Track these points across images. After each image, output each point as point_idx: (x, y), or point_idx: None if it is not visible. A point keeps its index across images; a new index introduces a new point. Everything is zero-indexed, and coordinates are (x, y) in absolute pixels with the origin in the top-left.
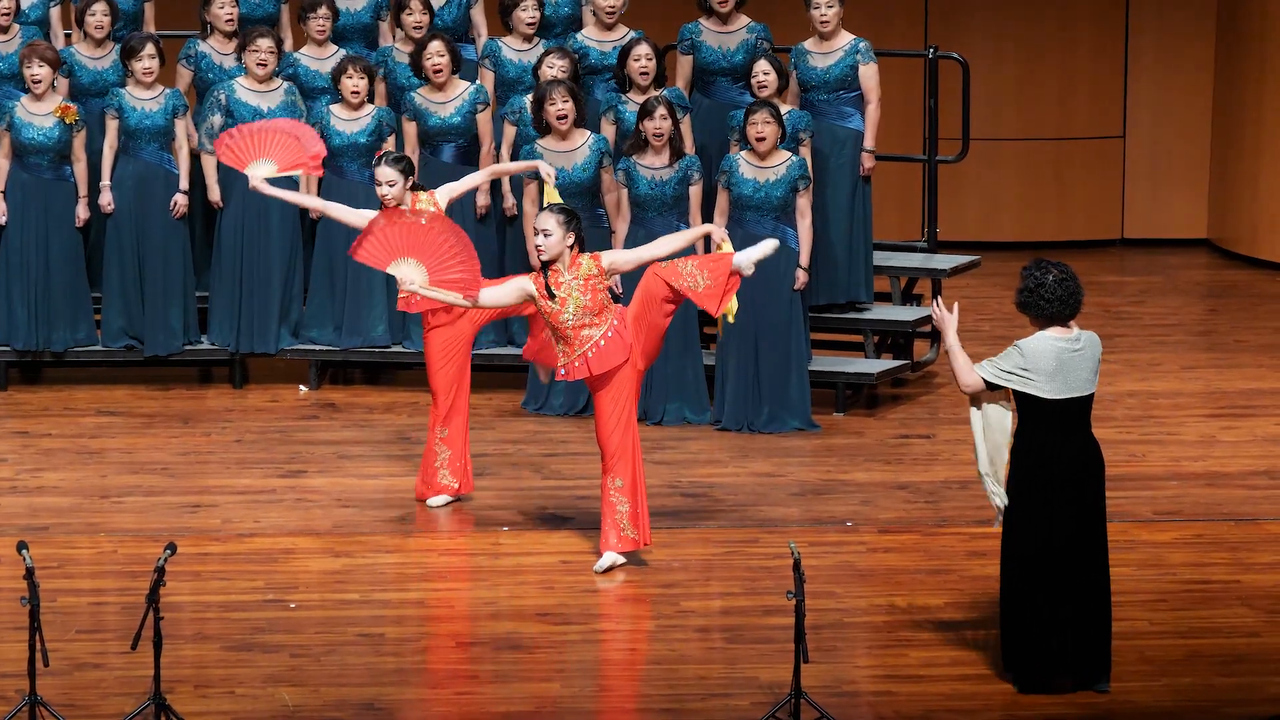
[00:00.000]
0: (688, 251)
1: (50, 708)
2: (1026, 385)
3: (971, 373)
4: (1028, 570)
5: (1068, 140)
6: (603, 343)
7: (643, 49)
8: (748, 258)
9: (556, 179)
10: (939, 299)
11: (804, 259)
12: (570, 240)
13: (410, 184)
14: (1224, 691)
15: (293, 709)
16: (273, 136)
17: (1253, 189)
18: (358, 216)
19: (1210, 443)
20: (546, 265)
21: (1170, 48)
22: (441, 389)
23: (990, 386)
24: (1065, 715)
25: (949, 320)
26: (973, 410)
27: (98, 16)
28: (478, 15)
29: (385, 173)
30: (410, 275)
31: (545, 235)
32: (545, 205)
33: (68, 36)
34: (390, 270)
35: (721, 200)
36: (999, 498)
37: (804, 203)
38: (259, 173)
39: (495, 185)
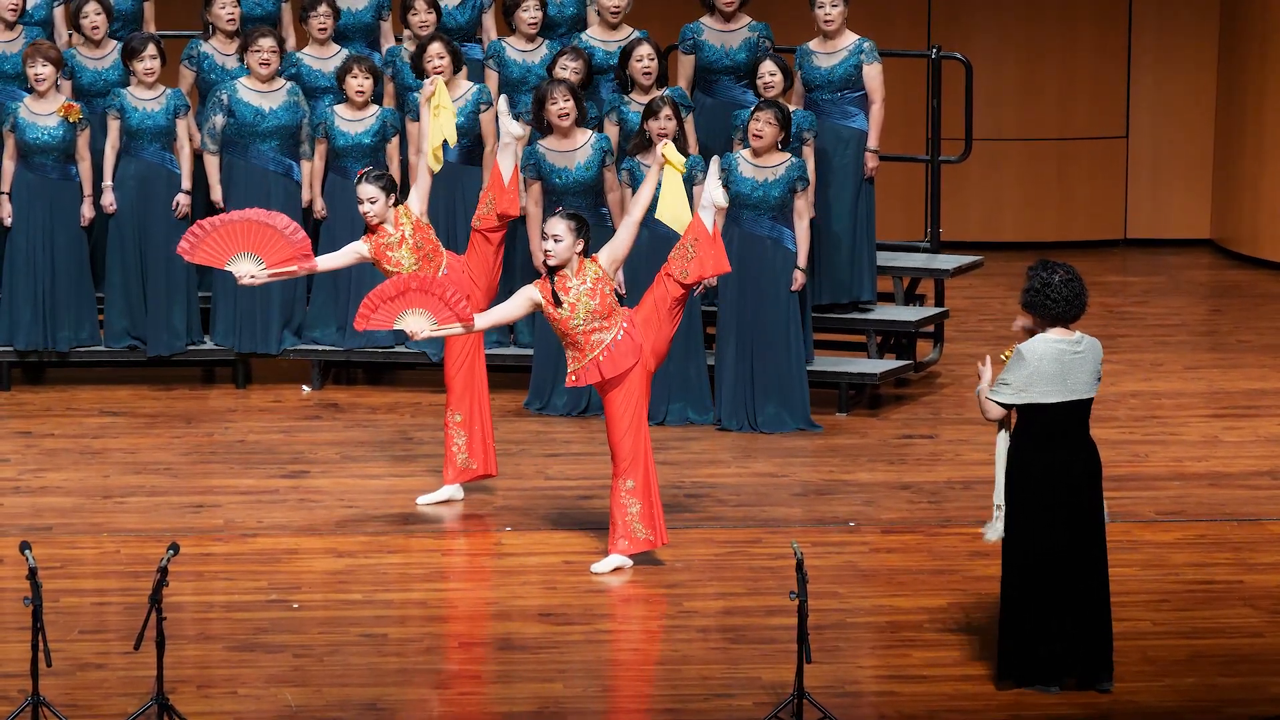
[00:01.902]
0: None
1: (53, 708)
2: (1031, 397)
3: (990, 404)
4: (1026, 575)
5: (1070, 140)
6: (613, 346)
7: (644, 49)
8: (709, 194)
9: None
10: (984, 359)
11: (801, 260)
12: (580, 246)
13: (393, 200)
14: (1227, 692)
15: (295, 709)
16: (247, 229)
17: (1255, 189)
18: (344, 256)
19: (1213, 443)
20: (553, 271)
21: (1172, 48)
22: (450, 377)
23: (1006, 407)
24: (1067, 715)
25: (985, 375)
26: (1000, 435)
27: (90, 18)
28: (489, 20)
29: (366, 190)
30: (418, 325)
31: (555, 241)
32: (555, 210)
33: (71, 36)
34: (397, 325)
35: None
36: (996, 533)
37: (802, 204)
38: (245, 269)
39: None
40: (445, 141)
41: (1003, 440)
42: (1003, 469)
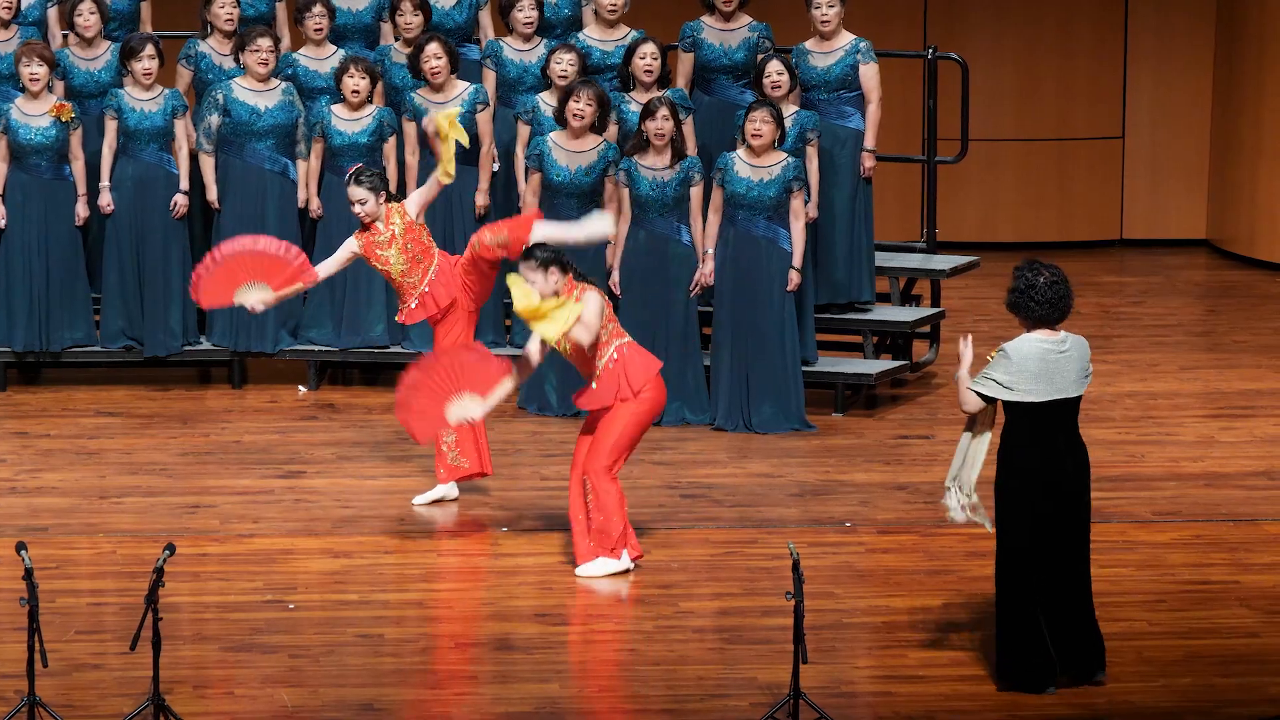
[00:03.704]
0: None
1: (49, 708)
2: (1015, 395)
3: (970, 394)
4: (1018, 573)
5: (1067, 141)
6: (594, 385)
7: (648, 48)
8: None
9: (461, 115)
10: (966, 336)
11: (797, 260)
12: (552, 277)
13: (384, 199)
14: (1223, 692)
15: (291, 709)
16: (246, 260)
17: (1252, 189)
18: (340, 257)
19: (1209, 443)
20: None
21: (1169, 49)
22: None
23: (985, 399)
24: (1065, 715)
25: (966, 356)
26: (964, 435)
27: (84, 16)
28: (485, 17)
29: (354, 192)
30: (257, 298)
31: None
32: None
33: (65, 37)
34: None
35: (716, 197)
36: (960, 511)
37: (798, 204)
38: (255, 298)
39: (500, 183)
40: (459, 145)
41: (965, 440)
42: (961, 458)
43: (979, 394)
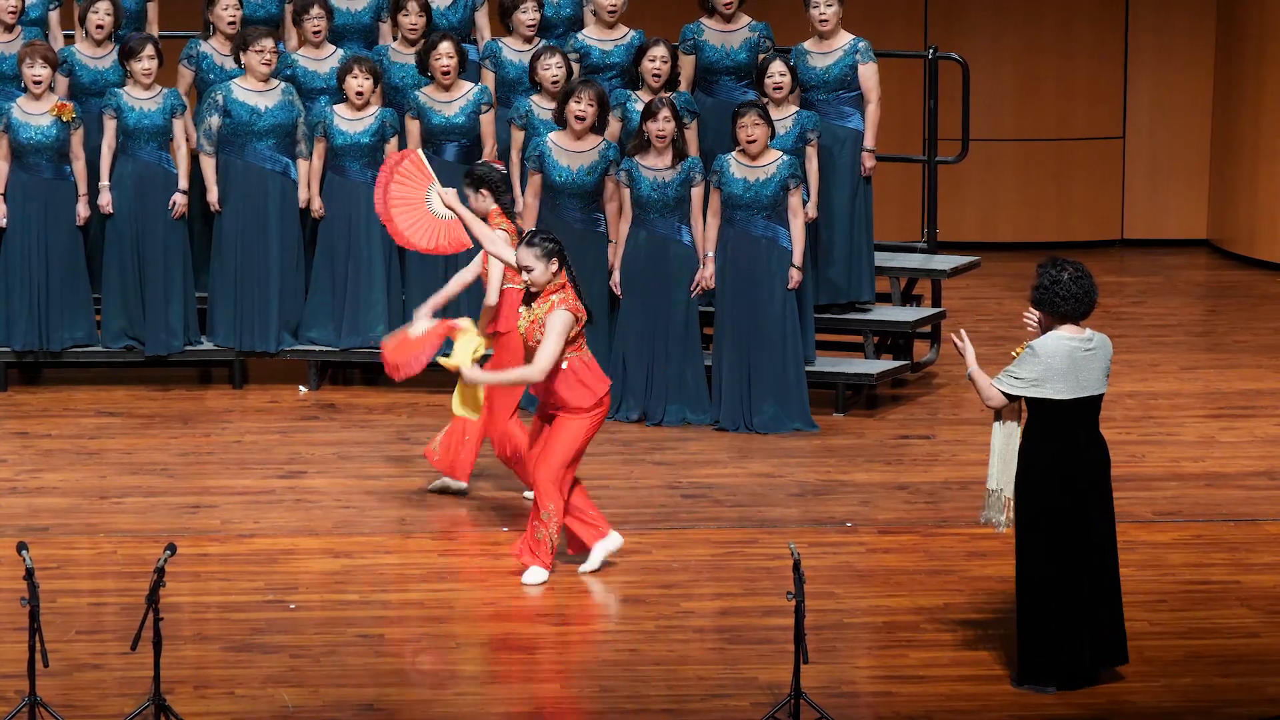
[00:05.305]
0: None
1: (50, 708)
2: (1042, 392)
3: (993, 389)
4: (1044, 573)
5: (1067, 141)
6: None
7: (659, 51)
8: None
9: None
10: (957, 333)
11: (797, 258)
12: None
13: (488, 200)
14: (1224, 692)
15: (292, 710)
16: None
17: (1252, 189)
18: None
19: (1209, 443)
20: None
21: (1170, 48)
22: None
23: (1010, 398)
24: (1065, 715)
25: (969, 351)
26: (995, 425)
27: (100, 15)
28: (481, 18)
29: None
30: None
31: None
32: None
33: (68, 37)
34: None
35: (714, 200)
36: (999, 525)
37: (795, 201)
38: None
39: None
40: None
41: (998, 432)
42: (1002, 457)
43: (1004, 393)
